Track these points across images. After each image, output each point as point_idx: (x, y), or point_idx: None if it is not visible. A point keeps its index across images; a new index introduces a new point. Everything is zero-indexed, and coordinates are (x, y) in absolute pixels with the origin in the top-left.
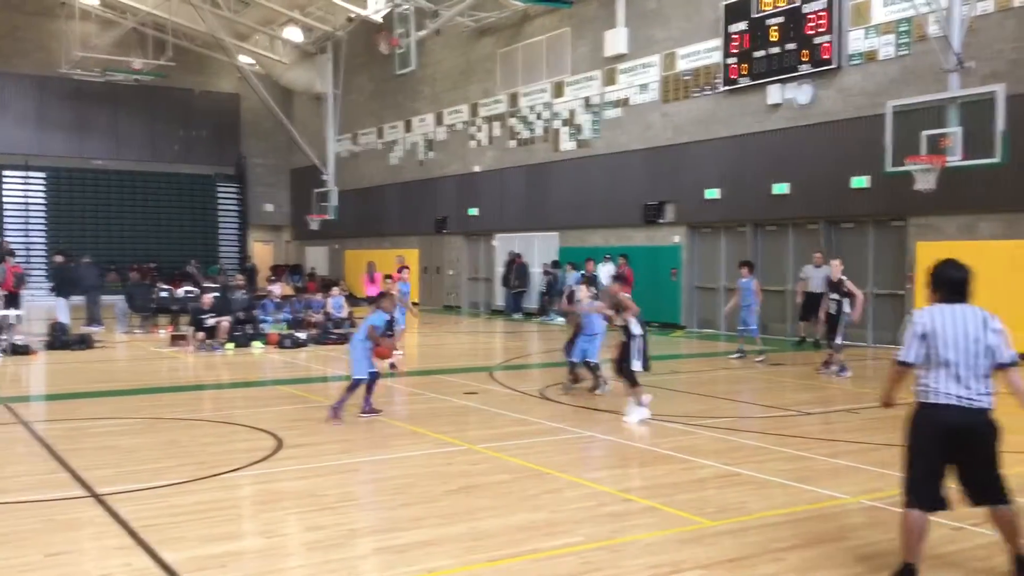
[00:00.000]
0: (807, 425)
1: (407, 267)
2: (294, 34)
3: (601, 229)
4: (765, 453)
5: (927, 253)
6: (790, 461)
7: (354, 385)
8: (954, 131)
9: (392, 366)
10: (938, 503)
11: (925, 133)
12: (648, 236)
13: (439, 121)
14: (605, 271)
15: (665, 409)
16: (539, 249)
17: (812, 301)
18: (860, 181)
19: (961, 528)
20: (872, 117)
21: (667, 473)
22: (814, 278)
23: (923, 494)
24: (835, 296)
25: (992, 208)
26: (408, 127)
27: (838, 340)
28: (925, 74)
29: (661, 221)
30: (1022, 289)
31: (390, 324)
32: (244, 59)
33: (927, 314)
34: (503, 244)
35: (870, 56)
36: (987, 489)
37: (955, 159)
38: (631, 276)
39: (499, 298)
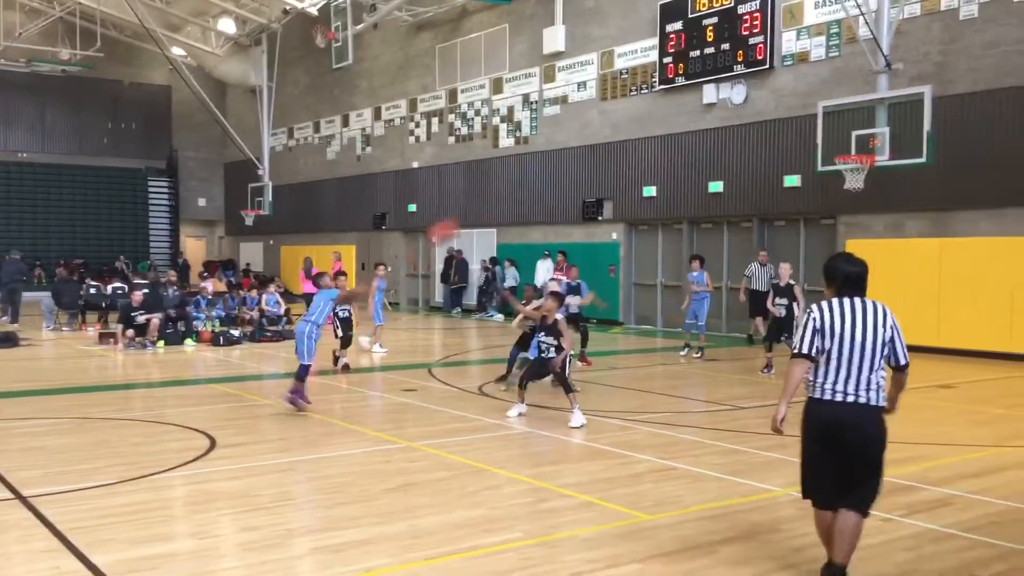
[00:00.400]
0: (742, 419)
1: (344, 273)
2: (228, 26)
3: (540, 226)
4: (701, 447)
5: (856, 250)
6: (725, 455)
7: (303, 372)
8: (882, 131)
9: (345, 367)
10: (831, 500)
11: (855, 133)
12: (587, 233)
13: (377, 116)
14: (544, 268)
15: (603, 405)
16: (478, 246)
17: (757, 299)
18: (792, 180)
19: (891, 519)
20: (804, 117)
21: (604, 468)
22: (758, 276)
23: (818, 492)
24: (783, 301)
25: (918, 207)
26: (345, 122)
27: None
28: (855, 75)
29: (599, 218)
30: (946, 285)
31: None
32: (176, 51)
33: (823, 308)
34: (442, 241)
35: (802, 57)
36: (859, 491)
37: (883, 159)
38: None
39: (438, 295)
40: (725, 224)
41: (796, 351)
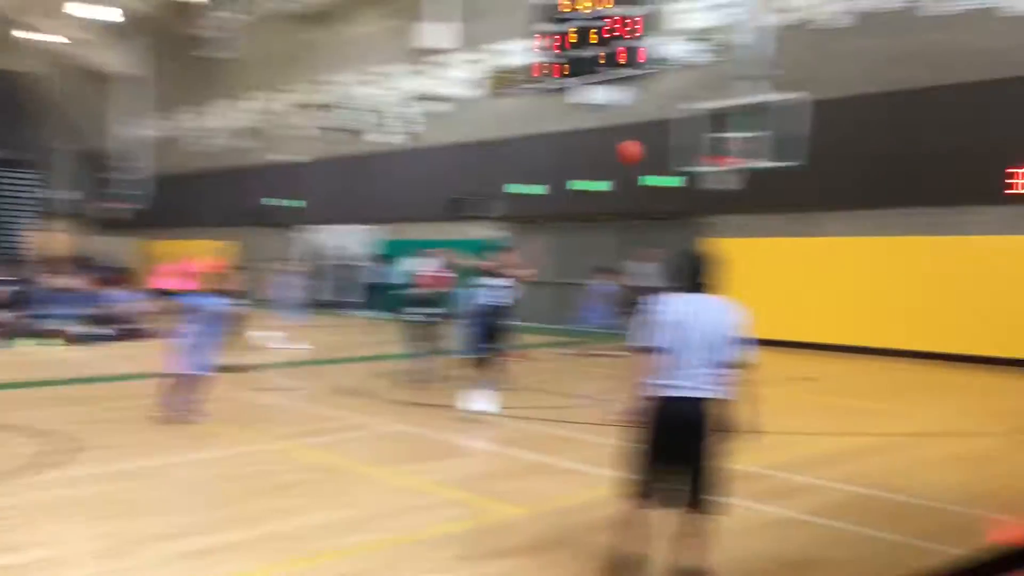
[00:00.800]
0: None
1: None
2: (105, 12)
3: (427, 223)
4: (575, 441)
5: (732, 249)
6: (597, 448)
7: (190, 380)
8: (758, 135)
9: (235, 368)
10: (662, 495)
11: (729, 136)
12: (473, 230)
13: (261, 108)
14: (432, 265)
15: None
16: (364, 242)
17: (632, 295)
18: (671, 180)
19: (745, 507)
20: (682, 119)
21: (477, 464)
22: (640, 274)
23: (647, 487)
24: None
25: (791, 208)
26: (228, 113)
27: None
28: (730, 80)
29: (486, 215)
30: (815, 283)
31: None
32: (48, 37)
33: (667, 302)
34: (327, 237)
35: (682, 61)
36: (700, 485)
37: (756, 161)
38: (454, 269)
39: (323, 292)
40: (608, 222)
41: (640, 346)
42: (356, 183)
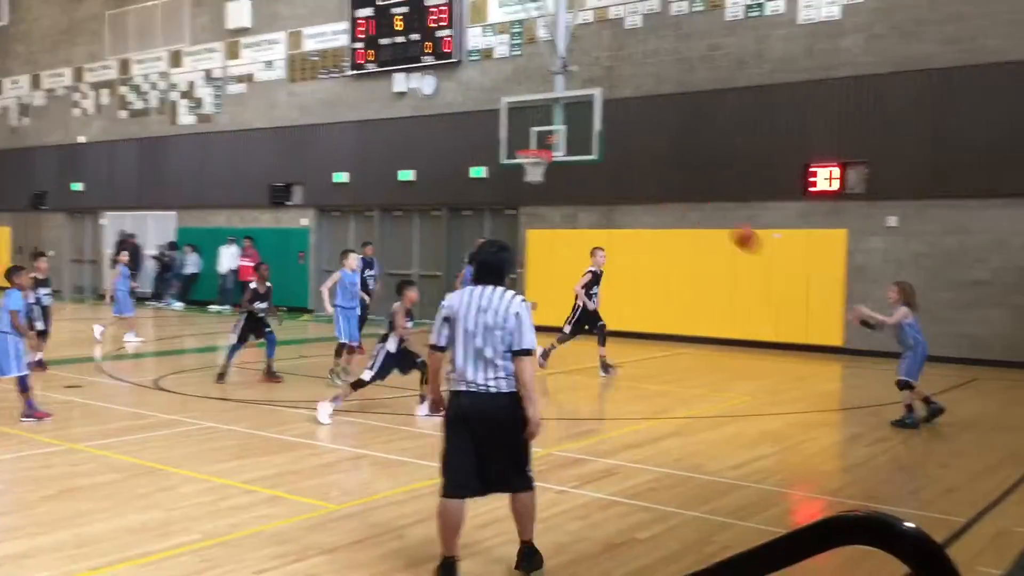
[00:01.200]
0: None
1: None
2: None
3: (225, 209)
4: (391, 433)
5: (535, 240)
6: (413, 439)
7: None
8: (559, 129)
9: (39, 364)
10: (468, 489)
11: (534, 129)
12: (275, 218)
13: (36, 84)
14: (228, 253)
15: (292, 395)
16: (154, 229)
17: None
18: (478, 171)
19: (564, 491)
20: (489, 111)
21: (292, 460)
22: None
23: (453, 481)
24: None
25: (590, 201)
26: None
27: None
28: (535, 74)
29: (288, 203)
30: (621, 274)
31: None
32: None
33: (455, 297)
34: (113, 223)
35: (487, 53)
36: (504, 475)
37: (560, 155)
38: (257, 258)
39: (108, 282)
40: (416, 212)
41: (431, 343)
42: (146, 167)
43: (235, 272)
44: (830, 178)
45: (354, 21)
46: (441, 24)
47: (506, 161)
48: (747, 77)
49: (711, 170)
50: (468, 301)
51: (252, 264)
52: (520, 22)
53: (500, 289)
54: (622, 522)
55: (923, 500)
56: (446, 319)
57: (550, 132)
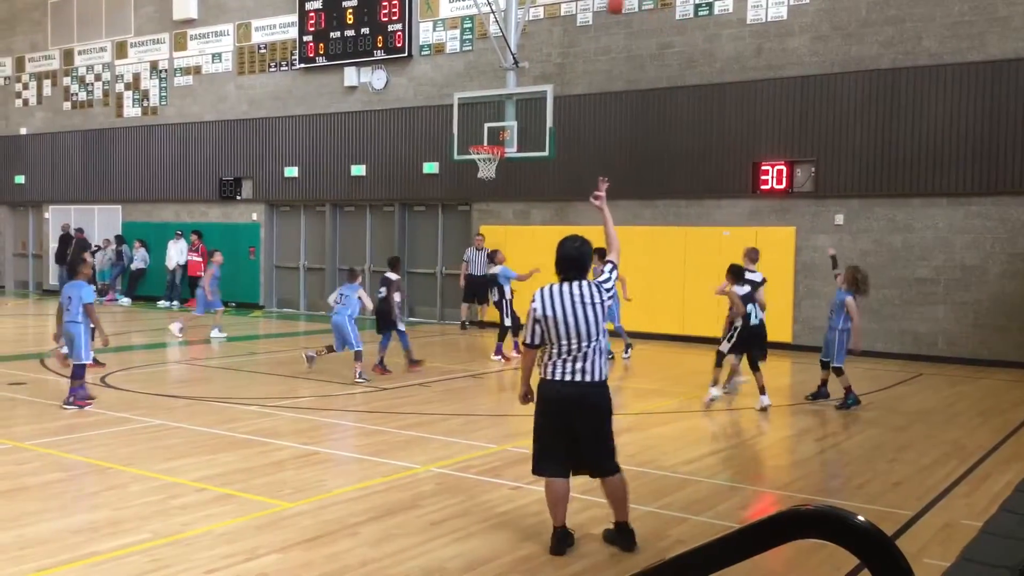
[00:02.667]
0: (383, 400)
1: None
2: None
3: (172, 204)
4: (343, 430)
5: (488, 236)
6: (366, 436)
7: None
8: (511, 125)
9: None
10: (560, 471)
11: (487, 125)
12: (224, 213)
13: None
14: (176, 248)
15: (243, 392)
16: (100, 223)
17: (473, 283)
18: (431, 167)
19: (519, 487)
20: (441, 107)
21: (243, 458)
22: (474, 261)
23: (546, 465)
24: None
25: (542, 197)
26: None
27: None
28: (487, 70)
29: (238, 198)
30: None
31: None
32: None
33: (544, 296)
34: (57, 217)
35: (439, 48)
36: (597, 460)
37: (511, 151)
38: (205, 253)
39: (52, 277)
40: (368, 207)
41: (526, 343)
42: (91, 159)
43: (183, 267)
44: (779, 176)
45: (304, 14)
46: (392, 18)
47: (458, 157)
48: (697, 76)
49: (663, 168)
50: (560, 298)
51: (201, 259)
52: (471, 18)
53: (586, 282)
54: (577, 517)
55: (871, 494)
56: (537, 320)
57: (502, 128)
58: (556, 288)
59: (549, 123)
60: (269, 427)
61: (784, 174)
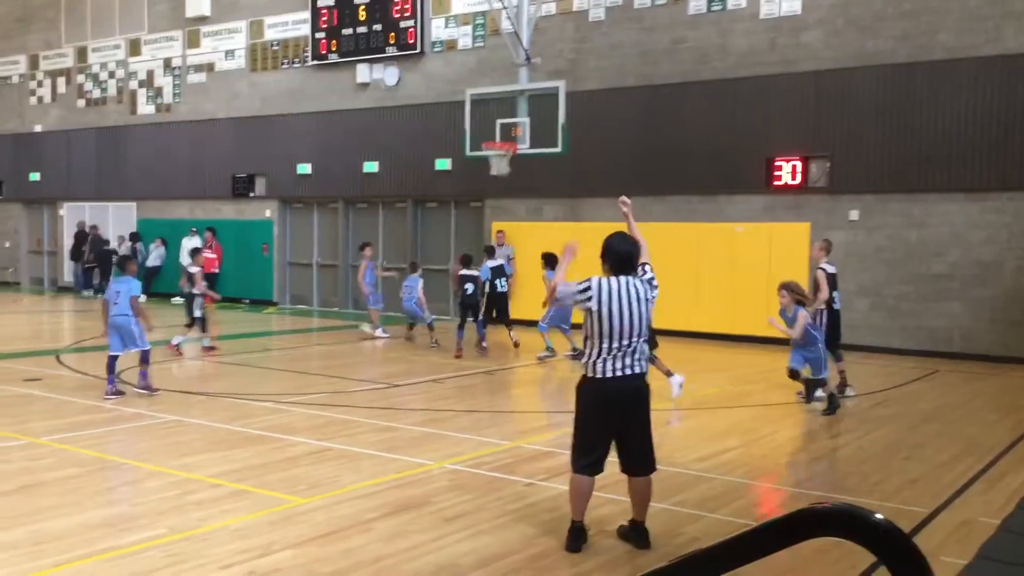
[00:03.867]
0: (396, 396)
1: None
2: None
3: (186, 201)
4: (357, 426)
5: (509, 234)
6: (380, 432)
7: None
8: (523, 121)
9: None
10: (597, 468)
11: (499, 121)
12: (238, 210)
13: None
14: (190, 245)
15: (257, 388)
16: (115, 220)
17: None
18: (443, 163)
19: (532, 484)
20: (453, 103)
21: (258, 454)
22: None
23: (590, 462)
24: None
25: (555, 194)
26: None
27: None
28: (499, 66)
29: (251, 195)
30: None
31: None
32: None
33: (599, 289)
34: (72, 214)
35: (451, 45)
36: (642, 456)
37: (524, 147)
38: (220, 250)
39: (67, 274)
40: (380, 204)
41: (580, 294)
42: (105, 157)
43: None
44: (793, 172)
45: (316, 11)
46: (404, 15)
47: (471, 153)
48: (710, 71)
49: (675, 163)
50: (616, 294)
51: (215, 256)
52: (483, 14)
53: (636, 279)
54: (591, 514)
55: (886, 491)
56: (588, 307)
57: (515, 124)
58: (610, 283)
59: (561, 119)
60: (283, 423)
61: (798, 169)
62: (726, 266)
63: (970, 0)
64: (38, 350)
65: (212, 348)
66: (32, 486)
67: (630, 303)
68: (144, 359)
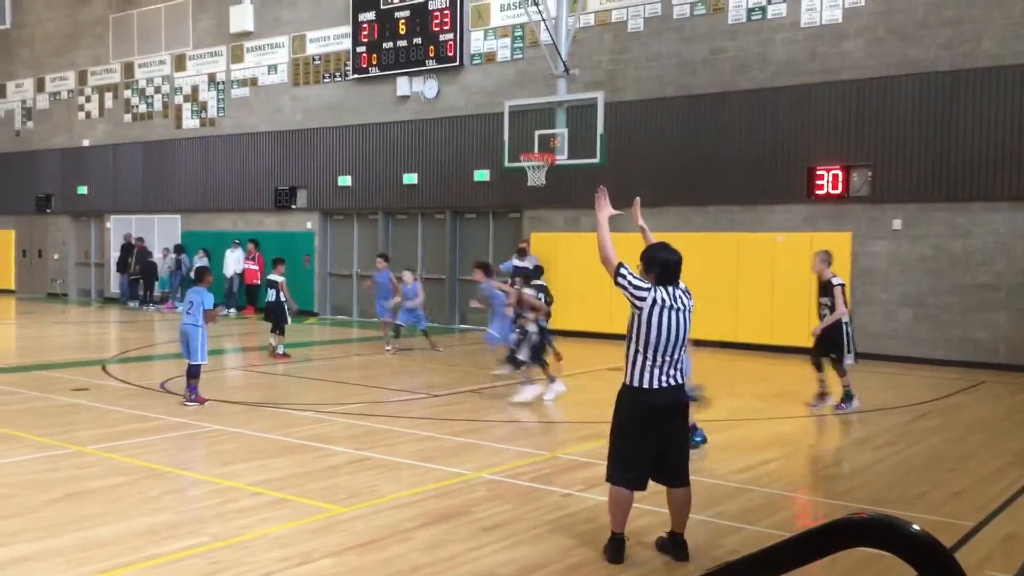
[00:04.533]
0: (434, 407)
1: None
2: None
3: (230, 213)
4: (396, 436)
5: (539, 243)
6: (419, 442)
7: (196, 370)
8: (561, 132)
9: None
10: (640, 483)
11: (537, 132)
12: (280, 221)
13: (40, 88)
14: (234, 257)
15: (298, 398)
16: (160, 232)
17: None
18: (482, 174)
19: (570, 495)
20: (492, 115)
21: (298, 463)
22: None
23: (632, 475)
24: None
25: (593, 204)
26: (2, 93)
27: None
28: (537, 77)
29: (293, 207)
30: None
31: None
32: None
33: (652, 298)
34: (118, 226)
35: (489, 57)
36: (682, 467)
37: (562, 158)
38: (262, 261)
39: (114, 285)
40: (419, 215)
41: (627, 276)
42: (150, 170)
43: (240, 276)
44: (834, 181)
45: (357, 25)
46: (444, 28)
47: (509, 164)
48: (750, 80)
49: (714, 173)
50: (666, 303)
51: (257, 267)
52: (522, 26)
53: (680, 289)
54: (629, 525)
55: (930, 504)
56: (639, 307)
57: (553, 135)
58: (663, 293)
59: (600, 130)
60: (323, 432)
61: (840, 179)
62: (767, 276)
63: (1014, 7)
64: (85, 360)
65: (286, 355)
66: (79, 494)
67: (677, 313)
68: (194, 373)
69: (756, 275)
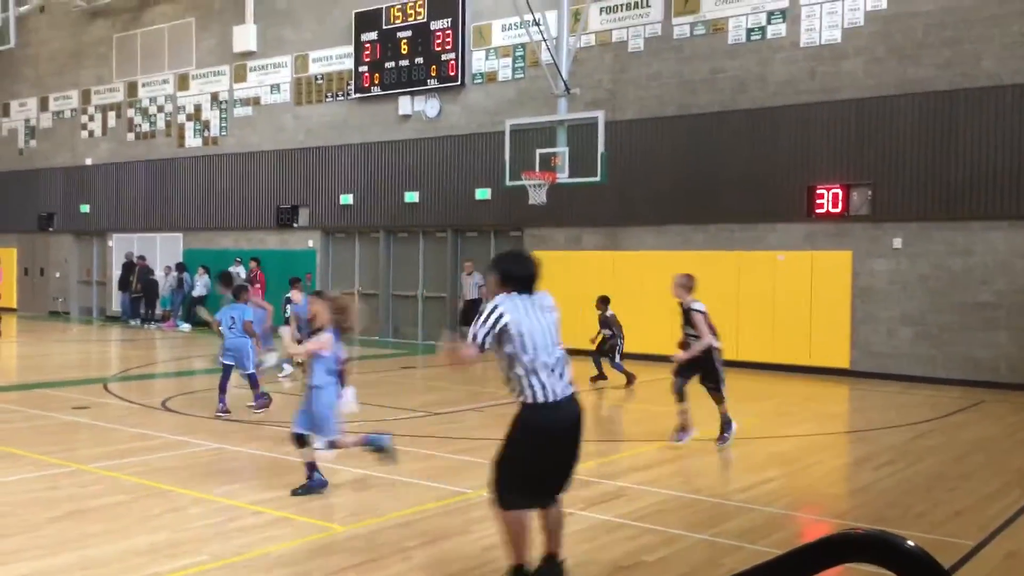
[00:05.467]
0: (435, 425)
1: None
2: None
3: (232, 231)
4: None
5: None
6: (419, 460)
7: (255, 378)
8: (562, 151)
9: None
10: (542, 501)
11: (538, 151)
12: (282, 240)
13: (43, 107)
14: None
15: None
16: (162, 251)
17: (470, 307)
18: (483, 193)
19: (571, 513)
20: (493, 134)
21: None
22: (466, 286)
23: (531, 494)
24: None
25: (594, 222)
26: (6, 111)
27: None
28: (538, 97)
29: (295, 225)
30: (618, 294)
31: None
32: None
33: (508, 308)
34: (120, 245)
35: (491, 76)
36: (566, 483)
37: (563, 176)
38: (263, 280)
39: (115, 303)
40: (420, 234)
41: (478, 343)
42: (153, 189)
43: None
44: (834, 200)
45: (359, 45)
46: (446, 48)
47: (510, 183)
48: (750, 100)
49: (715, 192)
50: (524, 308)
51: (259, 285)
52: (523, 46)
53: (538, 293)
54: (629, 544)
55: (931, 523)
56: (505, 329)
57: (554, 154)
58: (517, 299)
59: (600, 148)
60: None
61: (840, 197)
62: (767, 295)
63: (1012, 27)
64: (86, 379)
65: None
66: (80, 512)
67: (539, 315)
68: (253, 382)
69: (757, 293)
